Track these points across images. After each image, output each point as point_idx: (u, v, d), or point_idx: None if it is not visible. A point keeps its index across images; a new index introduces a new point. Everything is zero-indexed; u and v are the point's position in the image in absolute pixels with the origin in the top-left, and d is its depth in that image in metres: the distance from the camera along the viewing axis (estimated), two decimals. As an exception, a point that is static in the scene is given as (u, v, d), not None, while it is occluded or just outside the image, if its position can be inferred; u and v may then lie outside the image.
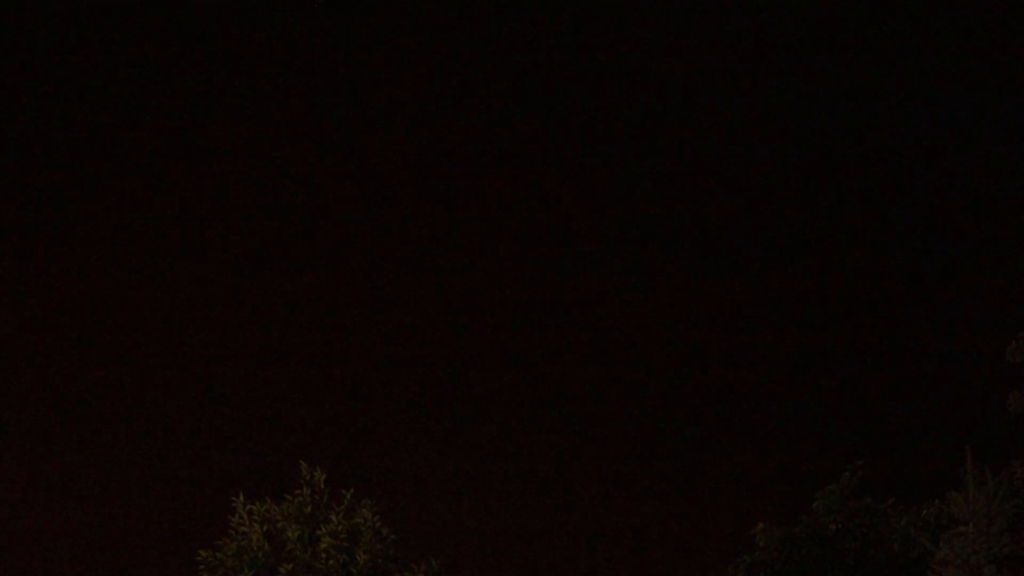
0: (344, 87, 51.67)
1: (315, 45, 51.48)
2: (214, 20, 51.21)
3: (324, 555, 34.00)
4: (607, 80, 51.77)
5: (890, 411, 47.84)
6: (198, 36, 51.36)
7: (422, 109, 51.69)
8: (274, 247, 50.80)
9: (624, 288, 50.73)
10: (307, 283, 50.61)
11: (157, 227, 50.63)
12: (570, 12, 51.66)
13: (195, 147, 50.92)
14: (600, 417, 49.06)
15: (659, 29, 51.49)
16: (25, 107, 50.82)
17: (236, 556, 34.18)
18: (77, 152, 50.83)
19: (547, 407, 49.07)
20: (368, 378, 49.13)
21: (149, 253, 50.49)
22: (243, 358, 49.08)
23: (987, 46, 50.53)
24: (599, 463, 47.90)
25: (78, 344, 49.21)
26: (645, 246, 51.12)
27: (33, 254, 50.21)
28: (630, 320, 50.26)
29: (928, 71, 51.26)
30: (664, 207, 51.25)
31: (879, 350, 49.25)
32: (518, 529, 45.88)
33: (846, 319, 50.16)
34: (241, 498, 34.58)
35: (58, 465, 47.46)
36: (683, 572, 40.23)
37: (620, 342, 49.98)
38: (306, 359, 49.27)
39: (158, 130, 50.97)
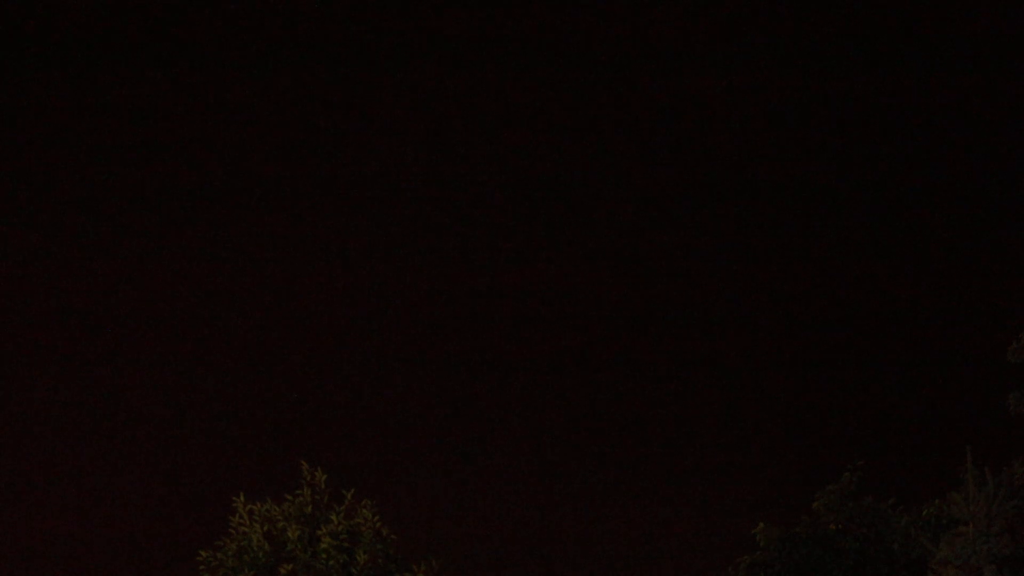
0: (342, 84, 51.68)
1: (313, 42, 51.49)
2: (213, 17, 51.23)
3: (324, 555, 34.00)
4: (606, 83, 51.79)
5: (890, 411, 47.87)
6: (197, 33, 51.36)
7: (420, 106, 51.69)
8: (274, 247, 50.81)
9: (625, 290, 50.73)
10: (307, 284, 50.63)
11: (158, 227, 50.63)
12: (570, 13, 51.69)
13: (195, 146, 50.91)
14: (600, 417, 49.08)
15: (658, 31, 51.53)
16: (25, 108, 50.86)
17: (236, 556, 34.18)
18: (75, 152, 50.83)
19: (547, 408, 49.09)
20: (368, 378, 49.15)
21: (150, 253, 50.50)
22: (244, 358, 49.11)
23: (986, 47, 50.57)
24: (599, 463, 47.91)
25: (79, 344, 49.22)
26: (646, 248, 51.13)
27: (36, 254, 50.22)
28: (631, 321, 50.26)
29: (928, 72, 51.27)
30: (666, 207, 51.25)
31: (879, 351, 49.27)
32: (518, 529, 45.91)
33: (846, 319, 50.17)
34: (241, 498, 34.59)
35: (59, 465, 47.47)
36: (683, 572, 40.24)
37: (621, 343, 50.00)
38: (306, 359, 49.30)
39: (156, 129, 50.96)
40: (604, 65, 51.70)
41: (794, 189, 51.49)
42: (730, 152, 51.60)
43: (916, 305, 49.84)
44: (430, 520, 44.72)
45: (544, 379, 49.40)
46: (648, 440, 48.37)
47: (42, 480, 47.07)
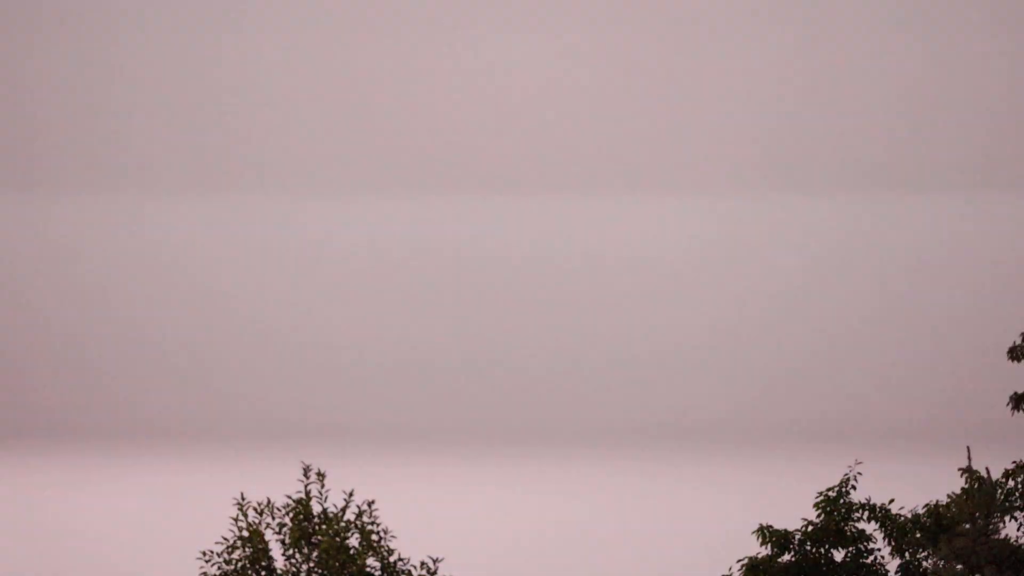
0: (344, 77, 51.72)
1: (315, 37, 51.53)
2: (217, 11, 51.29)
3: (324, 555, 34.01)
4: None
5: (890, 411, 47.90)
6: (200, 27, 51.42)
7: (419, 101, 51.74)
8: (276, 246, 50.84)
9: (622, 289, 50.76)
10: (309, 283, 50.64)
11: (160, 226, 50.65)
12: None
13: (198, 140, 50.94)
14: (600, 418, 49.12)
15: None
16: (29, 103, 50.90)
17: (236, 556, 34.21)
18: (74, 145, 50.87)
19: (548, 407, 49.14)
20: (368, 378, 49.18)
21: (152, 253, 50.51)
22: (244, 358, 49.13)
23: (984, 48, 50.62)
24: (600, 464, 47.95)
25: (80, 344, 49.24)
26: (648, 249, 51.17)
27: (38, 251, 50.24)
28: (631, 319, 50.30)
29: (926, 71, 51.33)
30: (668, 207, 51.30)
31: (880, 350, 49.31)
32: (518, 529, 45.92)
33: (847, 319, 50.21)
34: (241, 498, 34.62)
35: (59, 464, 47.49)
36: (684, 572, 40.28)
37: (621, 342, 50.04)
38: (307, 358, 49.32)
39: (157, 123, 50.99)
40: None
41: (797, 188, 51.55)
42: (736, 149, 51.69)
43: (917, 305, 49.90)
44: (430, 520, 44.78)
45: (546, 379, 49.46)
46: (648, 441, 48.43)
47: (43, 479, 47.10)
